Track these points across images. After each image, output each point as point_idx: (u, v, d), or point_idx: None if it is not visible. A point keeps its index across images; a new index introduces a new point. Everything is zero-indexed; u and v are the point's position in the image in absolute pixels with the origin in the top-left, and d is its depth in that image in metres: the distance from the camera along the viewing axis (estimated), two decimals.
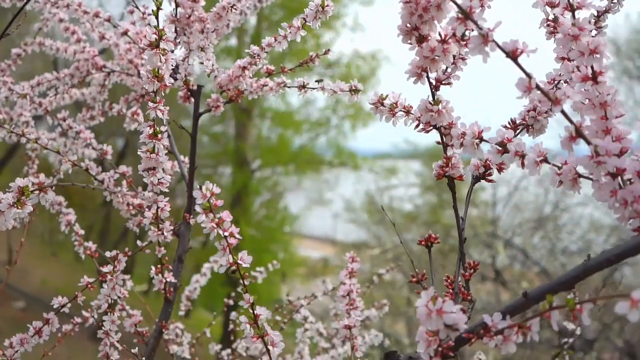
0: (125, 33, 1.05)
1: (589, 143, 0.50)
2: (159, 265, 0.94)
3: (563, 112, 0.50)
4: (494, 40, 0.49)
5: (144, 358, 0.93)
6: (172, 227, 0.90)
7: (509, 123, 0.67)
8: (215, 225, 0.61)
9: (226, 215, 0.62)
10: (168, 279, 0.95)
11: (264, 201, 11.66)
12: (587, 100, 0.54)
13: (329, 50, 0.98)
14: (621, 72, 8.82)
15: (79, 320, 1.11)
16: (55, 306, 0.90)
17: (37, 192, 0.65)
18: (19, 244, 1.21)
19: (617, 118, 0.53)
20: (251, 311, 0.64)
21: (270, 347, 0.63)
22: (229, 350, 1.26)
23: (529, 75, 0.49)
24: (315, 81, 0.91)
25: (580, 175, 0.53)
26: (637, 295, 0.39)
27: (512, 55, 0.49)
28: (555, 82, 0.68)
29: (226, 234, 0.61)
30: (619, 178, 0.51)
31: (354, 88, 0.84)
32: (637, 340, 5.71)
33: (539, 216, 6.88)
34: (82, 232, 1.08)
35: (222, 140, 11.58)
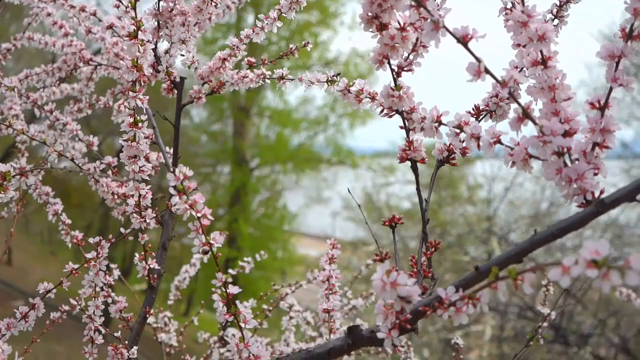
0: (110, 27, 1.07)
1: (535, 124, 0.53)
2: (142, 253, 0.97)
3: (510, 94, 0.52)
4: (444, 27, 0.51)
5: (127, 342, 0.95)
6: (154, 215, 0.92)
7: (472, 109, 0.70)
8: (188, 207, 0.64)
9: (199, 197, 0.64)
10: (151, 266, 0.98)
11: (263, 200, 11.69)
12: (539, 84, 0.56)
13: (308, 42, 1.01)
14: None
15: (66, 307, 1.14)
16: (40, 291, 0.93)
17: (18, 176, 0.68)
18: (16, 244, 1.23)
19: (566, 101, 0.55)
20: (224, 290, 0.66)
21: (242, 324, 0.66)
22: (215, 338, 1.29)
23: (478, 60, 0.52)
24: (333, 76, 0.89)
25: (531, 156, 0.56)
26: (567, 262, 0.42)
27: (463, 40, 0.52)
28: (518, 69, 0.71)
29: (199, 214, 0.64)
30: (566, 157, 0.53)
31: (330, 79, 0.86)
32: (632, 336, 5.75)
33: (535, 212, 6.92)
34: (68, 221, 1.10)
35: (220, 139, 11.62)
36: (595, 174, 0.53)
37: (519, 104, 0.53)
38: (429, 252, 0.64)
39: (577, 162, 0.54)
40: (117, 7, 1.11)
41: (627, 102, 8.30)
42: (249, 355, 0.65)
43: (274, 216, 11.50)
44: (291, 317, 1.30)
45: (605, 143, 0.53)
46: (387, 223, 0.69)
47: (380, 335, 0.56)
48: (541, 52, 0.55)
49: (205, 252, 0.65)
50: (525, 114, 0.53)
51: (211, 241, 0.65)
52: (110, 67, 1.20)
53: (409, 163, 0.70)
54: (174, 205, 0.63)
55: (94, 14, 1.12)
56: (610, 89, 0.53)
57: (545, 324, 1.06)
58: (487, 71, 0.52)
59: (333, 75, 0.87)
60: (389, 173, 10.45)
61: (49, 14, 1.22)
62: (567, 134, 0.54)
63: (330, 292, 0.95)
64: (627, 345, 5.57)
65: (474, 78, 0.52)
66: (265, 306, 1.32)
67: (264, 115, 12.00)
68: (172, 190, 0.63)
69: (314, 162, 11.88)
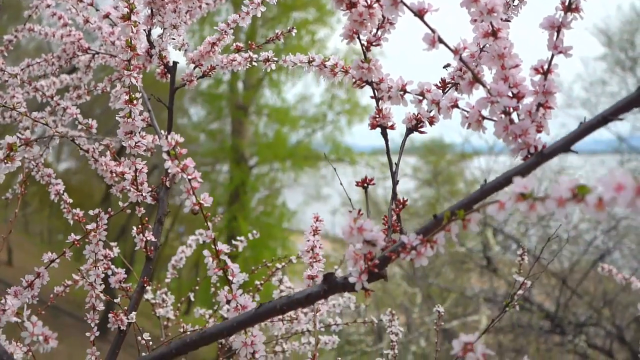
0: (106, 16, 1.14)
1: (484, 86, 0.59)
2: (139, 226, 1.04)
3: (462, 60, 0.59)
4: (402, 2, 0.58)
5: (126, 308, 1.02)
6: (150, 188, 0.99)
7: (439, 81, 0.77)
8: (180, 170, 0.70)
9: (189, 162, 0.71)
10: (148, 238, 1.05)
11: (262, 197, 11.76)
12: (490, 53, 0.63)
13: (293, 28, 1.07)
14: (614, 63, 8.90)
15: (69, 282, 1.20)
16: (45, 261, 1.00)
17: (23, 146, 0.75)
18: (16, 244, 1.29)
19: (514, 68, 0.62)
20: (213, 246, 0.73)
21: (230, 278, 0.73)
22: (210, 311, 1.35)
23: (433, 31, 0.58)
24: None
25: (483, 117, 0.63)
26: (503, 199, 0.49)
27: (419, 13, 0.59)
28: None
29: (190, 177, 0.70)
30: (514, 116, 0.60)
31: (311, 59, 0.93)
32: (626, 325, 5.82)
33: None
34: (70, 200, 1.17)
35: (219, 138, 11.68)
36: (539, 131, 0.60)
37: (469, 68, 0.59)
38: (397, 209, 0.71)
39: (522, 120, 0.60)
40: None
41: (623, 95, 8.38)
42: (237, 305, 0.72)
43: (274, 214, 11.57)
44: (281, 291, 1.37)
45: (548, 104, 0.60)
46: (359, 184, 0.76)
47: (351, 279, 0.63)
48: (491, 24, 0.61)
49: (194, 212, 0.72)
50: (475, 78, 0.60)
51: (201, 201, 0.71)
52: (107, 55, 1.27)
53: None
54: (167, 168, 0.70)
55: (91, 4, 1.18)
56: (552, 56, 0.60)
57: (520, 292, 1.12)
58: (440, 41, 0.59)
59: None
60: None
61: (48, 6, 1.28)
62: (517, 96, 0.61)
63: (315, 260, 1.02)
64: (622, 334, 5.65)
65: (429, 47, 0.59)
66: (257, 282, 1.38)
67: (262, 113, 12.06)
68: (165, 156, 0.70)
69: (312, 159, 11.93)
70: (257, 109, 11.99)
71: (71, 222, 1.16)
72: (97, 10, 1.17)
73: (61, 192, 1.19)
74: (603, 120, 0.53)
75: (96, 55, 1.27)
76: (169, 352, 0.67)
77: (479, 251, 5.73)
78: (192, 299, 1.52)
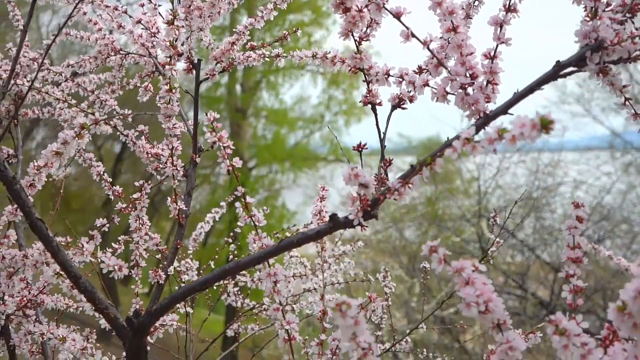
0: (139, 21, 1.35)
1: (446, 68, 0.80)
2: (174, 196, 1.24)
3: (429, 49, 0.80)
4: (384, 7, 0.79)
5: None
6: (183, 164, 1.20)
7: (417, 68, 0.97)
8: (217, 140, 0.91)
9: (224, 134, 0.92)
10: (181, 207, 1.25)
11: (262, 199, 11.95)
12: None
13: (298, 28, 1.28)
14: None
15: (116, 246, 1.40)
16: (98, 225, 1.20)
17: (93, 125, 0.95)
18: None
19: (470, 55, 0.83)
20: (244, 200, 0.94)
21: (256, 223, 0.94)
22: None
23: (407, 28, 0.79)
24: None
25: (447, 92, 0.83)
26: (455, 144, 0.69)
27: (397, 15, 0.80)
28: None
29: (224, 145, 0.91)
30: (469, 90, 0.81)
31: (314, 54, 1.14)
32: None
33: (528, 196, 7.23)
34: (110, 179, 1.37)
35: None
36: (488, 101, 0.80)
37: (435, 56, 0.80)
38: (385, 166, 0.91)
39: (474, 93, 0.81)
40: (142, 5, 1.38)
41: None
42: (262, 245, 0.92)
43: (273, 215, 11.76)
44: (291, 257, 1.57)
45: (494, 81, 0.81)
46: (355, 149, 0.97)
47: (350, 217, 0.83)
48: (452, 22, 0.82)
49: (228, 173, 0.93)
50: (439, 63, 0.80)
51: (233, 163, 0.92)
52: (137, 55, 1.48)
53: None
54: (207, 139, 0.91)
55: (125, 12, 1.39)
56: (497, 45, 0.81)
57: (493, 248, 1.33)
58: (413, 35, 0.79)
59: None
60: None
61: (85, 13, 1.49)
62: (472, 76, 0.82)
63: (321, 221, 1.23)
64: None
65: (405, 40, 0.80)
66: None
67: (260, 115, 12.26)
68: (205, 128, 0.90)
69: (310, 160, 12.13)
70: (255, 111, 12.19)
71: (112, 197, 1.36)
72: (130, 17, 1.38)
73: (102, 172, 1.40)
74: (530, 90, 0.74)
75: (127, 55, 1.48)
76: (212, 277, 0.87)
77: (474, 240, 5.94)
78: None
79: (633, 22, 0.76)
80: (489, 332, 0.69)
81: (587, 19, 0.75)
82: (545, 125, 0.57)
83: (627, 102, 0.77)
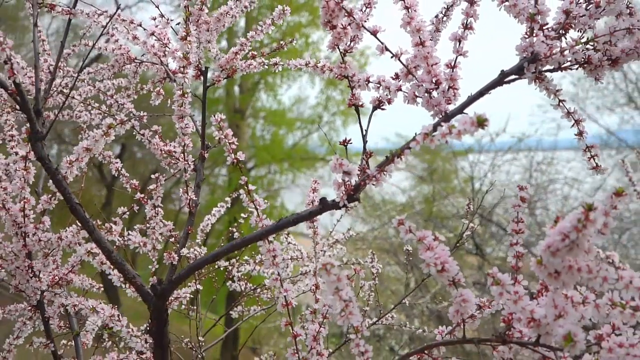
0: (152, 34, 1.52)
1: (414, 76, 0.98)
2: (185, 187, 1.42)
3: (399, 60, 0.97)
4: (363, 26, 0.96)
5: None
6: (193, 159, 1.37)
7: (394, 74, 1.15)
8: (223, 137, 1.08)
9: (229, 131, 1.09)
10: (191, 197, 1.42)
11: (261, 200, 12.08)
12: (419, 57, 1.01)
13: (293, 39, 1.46)
14: None
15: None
16: (120, 212, 1.37)
17: (119, 125, 1.12)
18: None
19: (435, 65, 1.00)
20: (247, 187, 1.11)
21: (257, 207, 1.11)
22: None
23: (382, 43, 0.97)
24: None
25: (416, 96, 1.01)
26: (418, 138, 0.86)
27: (373, 32, 0.97)
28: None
29: (230, 141, 1.08)
30: (434, 93, 0.98)
31: (307, 62, 1.31)
32: None
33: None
34: (127, 174, 1.54)
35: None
36: (449, 103, 0.98)
37: (405, 65, 0.98)
38: (367, 157, 1.09)
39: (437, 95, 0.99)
40: (154, 19, 1.56)
41: (610, 90, 8.77)
42: (262, 225, 1.10)
43: (272, 215, 11.91)
44: (289, 243, 1.74)
45: (455, 86, 0.98)
46: (342, 143, 1.14)
47: (337, 199, 1.01)
48: (419, 37, 0.99)
49: (234, 164, 1.10)
50: (408, 72, 0.98)
51: (238, 157, 1.09)
52: (150, 64, 1.65)
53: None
54: (215, 136, 1.08)
55: (140, 25, 1.56)
56: (456, 57, 0.98)
57: (468, 233, 1.50)
58: (386, 49, 0.97)
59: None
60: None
61: (103, 26, 1.66)
62: (436, 82, 0.99)
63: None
64: None
65: (380, 53, 0.97)
66: None
67: (258, 116, 12.43)
68: (213, 127, 1.08)
69: (309, 160, 12.30)
70: (254, 112, 12.36)
71: (130, 190, 1.53)
72: (144, 29, 1.55)
73: (120, 168, 1.57)
74: (480, 94, 0.92)
75: (141, 64, 1.65)
76: (221, 251, 1.05)
77: (468, 236, 6.12)
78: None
79: (565, 38, 0.94)
80: (447, 288, 0.87)
81: (526, 36, 0.92)
82: (480, 122, 0.75)
83: (560, 104, 0.95)
